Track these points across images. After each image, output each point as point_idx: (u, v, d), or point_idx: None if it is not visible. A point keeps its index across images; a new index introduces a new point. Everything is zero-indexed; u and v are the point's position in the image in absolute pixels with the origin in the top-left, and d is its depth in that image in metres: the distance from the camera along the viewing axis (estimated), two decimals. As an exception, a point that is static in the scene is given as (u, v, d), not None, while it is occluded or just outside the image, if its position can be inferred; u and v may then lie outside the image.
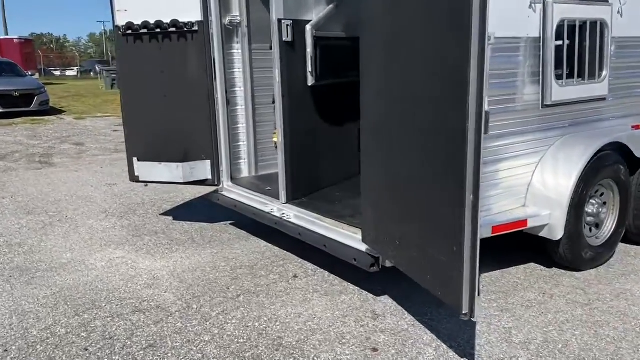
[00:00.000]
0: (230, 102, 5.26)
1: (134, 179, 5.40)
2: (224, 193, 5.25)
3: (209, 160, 5.20)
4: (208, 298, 3.88)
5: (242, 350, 3.19)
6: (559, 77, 4.09)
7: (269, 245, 4.97)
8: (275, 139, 5.33)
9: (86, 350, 3.21)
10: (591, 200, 4.31)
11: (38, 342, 3.30)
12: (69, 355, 3.16)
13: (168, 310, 3.69)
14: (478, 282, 2.55)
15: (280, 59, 4.32)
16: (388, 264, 3.56)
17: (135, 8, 4.99)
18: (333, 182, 5.02)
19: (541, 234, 4.11)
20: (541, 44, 3.97)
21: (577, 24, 4.15)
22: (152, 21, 4.95)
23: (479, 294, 2.80)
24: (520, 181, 4.11)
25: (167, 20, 4.93)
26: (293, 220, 4.37)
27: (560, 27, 4.01)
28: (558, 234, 4.04)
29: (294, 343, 3.27)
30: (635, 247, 4.75)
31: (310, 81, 4.49)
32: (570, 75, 4.19)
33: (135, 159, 5.34)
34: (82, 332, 3.42)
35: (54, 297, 3.94)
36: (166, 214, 6.08)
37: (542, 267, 4.38)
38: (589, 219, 4.33)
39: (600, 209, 4.38)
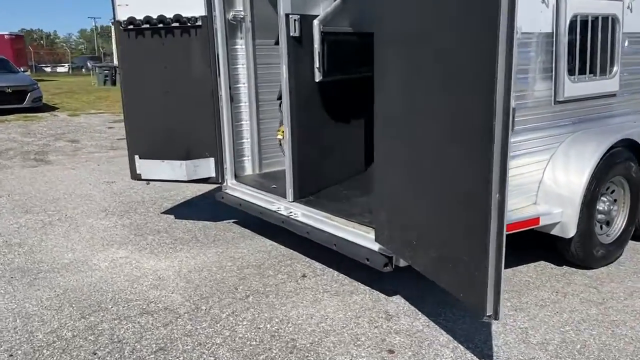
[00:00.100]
0: (233, 98, 5.17)
1: (135, 177, 5.30)
2: (227, 191, 5.16)
3: (213, 158, 5.11)
4: (216, 299, 3.80)
5: (255, 353, 3.11)
6: (571, 72, 4.04)
7: (275, 244, 4.89)
8: (279, 136, 5.24)
9: (95, 354, 3.12)
10: (602, 198, 4.27)
11: (44, 346, 3.21)
12: (77, 359, 3.08)
13: (176, 312, 3.61)
14: (503, 283, 2.49)
15: (288, 55, 4.23)
16: (402, 263, 3.50)
17: (136, 2, 4.88)
18: (339, 180, 4.94)
19: (553, 232, 4.06)
20: (554, 39, 3.91)
21: (590, 19, 4.10)
22: (154, 16, 4.85)
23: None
24: (531, 178, 4.05)
25: (169, 15, 4.83)
26: (301, 218, 4.29)
27: (572, 22, 3.95)
28: (570, 231, 3.99)
29: (308, 345, 3.19)
30: (644, 244, 4.73)
31: (318, 77, 4.40)
32: (582, 71, 4.14)
33: (136, 156, 5.24)
34: (89, 335, 3.33)
35: (58, 298, 3.84)
36: (168, 212, 5.99)
37: (552, 265, 4.34)
38: (600, 216, 4.29)
39: (612, 207, 4.34)
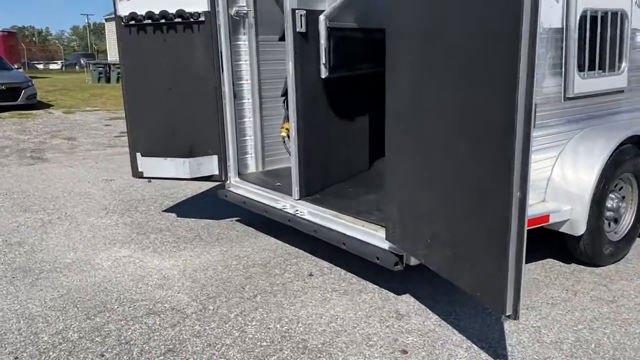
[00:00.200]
0: (236, 95, 5.10)
1: (137, 174, 5.23)
2: (231, 189, 5.10)
3: (216, 156, 5.04)
4: (224, 299, 3.75)
5: (267, 354, 3.06)
6: (580, 69, 4.00)
7: (279, 242, 4.83)
8: (283, 133, 5.19)
9: (102, 356, 3.06)
10: (611, 195, 4.24)
11: (50, 348, 3.14)
12: (85, 361, 3.02)
13: (184, 312, 3.55)
14: (523, 282, 2.45)
15: (294, 51, 4.17)
16: (412, 262, 3.45)
17: (138, -2, 4.81)
18: (343, 178, 4.89)
19: (562, 230, 4.03)
20: (564, 35, 3.87)
21: (599, 14, 4.06)
22: (156, 11, 4.78)
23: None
24: (539, 175, 4.01)
25: (172, 10, 4.75)
26: (307, 217, 4.24)
27: (582, 17, 3.92)
28: (580, 229, 3.96)
29: (320, 346, 3.14)
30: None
31: (324, 73, 4.34)
32: (591, 67, 4.10)
33: (138, 154, 5.17)
34: (96, 336, 3.26)
35: (62, 299, 3.77)
36: (169, 210, 5.91)
37: (560, 263, 4.31)
38: (608, 213, 4.26)
39: (620, 204, 4.31)
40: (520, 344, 3.16)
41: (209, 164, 5.05)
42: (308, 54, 4.25)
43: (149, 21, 4.83)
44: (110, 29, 33.48)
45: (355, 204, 4.25)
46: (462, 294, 3.72)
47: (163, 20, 4.80)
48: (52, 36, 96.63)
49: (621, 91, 4.41)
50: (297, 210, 4.33)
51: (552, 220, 3.92)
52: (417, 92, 2.94)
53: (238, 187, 5.06)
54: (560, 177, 4.02)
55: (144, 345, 3.15)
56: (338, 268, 4.24)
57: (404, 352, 3.08)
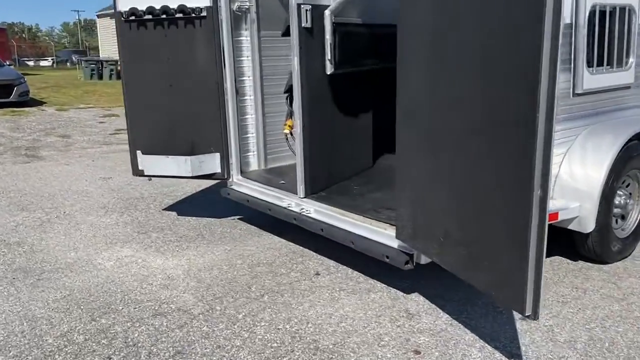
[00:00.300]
0: (238, 91, 5.03)
1: (137, 173, 5.14)
2: (233, 187, 5.03)
3: (218, 153, 4.97)
4: (230, 299, 3.68)
5: (278, 356, 3.00)
6: (589, 64, 3.96)
7: (284, 241, 4.78)
8: (286, 130, 5.12)
9: (109, 359, 2.99)
10: (618, 191, 4.21)
11: (55, 352, 3.07)
12: (92, 364, 2.95)
13: (190, 313, 3.48)
14: (543, 282, 2.41)
15: (299, 47, 4.10)
16: (423, 260, 3.41)
17: (139, -7, 4.72)
18: (348, 176, 4.84)
19: (570, 227, 3.99)
20: (573, 30, 3.83)
21: (607, 9, 4.02)
22: (157, 6, 4.69)
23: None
24: (548, 172, 3.97)
25: (173, 5, 4.67)
26: (314, 215, 4.18)
27: (591, 13, 3.88)
28: (589, 226, 3.93)
29: (331, 346, 3.09)
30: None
31: (329, 69, 4.28)
32: (599, 63, 4.07)
33: (139, 152, 5.09)
34: (102, 339, 3.19)
35: (65, 300, 3.70)
36: (169, 209, 5.84)
37: (568, 261, 4.28)
38: (616, 210, 4.23)
39: (628, 200, 4.28)
40: (534, 343, 3.12)
41: (211, 162, 4.98)
42: (313, 49, 4.19)
43: (150, 16, 4.74)
44: (103, 25, 33.20)
45: (361, 202, 4.20)
46: (471, 293, 3.69)
47: (164, 16, 4.72)
48: (42, 33, 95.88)
49: (628, 87, 4.38)
50: (302, 209, 4.27)
51: (560, 217, 3.89)
52: (431, 89, 2.89)
53: (241, 185, 4.99)
54: (569, 174, 3.98)
55: (152, 348, 3.09)
56: (344, 267, 4.19)
57: (417, 352, 3.04)
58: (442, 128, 2.82)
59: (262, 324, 3.35)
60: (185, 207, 5.89)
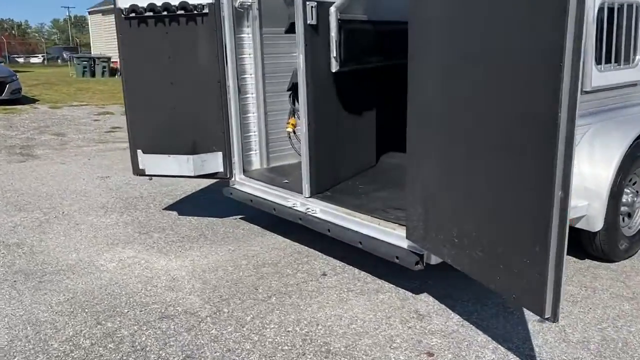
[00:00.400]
0: (240, 89, 4.96)
1: (138, 172, 5.07)
2: (236, 186, 4.97)
3: (221, 152, 4.90)
4: (238, 300, 3.63)
5: (289, 359, 2.96)
6: (597, 62, 3.93)
7: (288, 241, 4.72)
8: (289, 129, 5.07)
9: (118, 363, 2.93)
10: (625, 189, 4.19)
11: (62, 357, 3.00)
12: (99, 370, 2.89)
13: (198, 316, 3.43)
14: (563, 284, 2.37)
15: (305, 44, 4.04)
16: (433, 261, 3.37)
17: (139, -11, 4.64)
18: (352, 174, 4.79)
19: (578, 226, 3.97)
20: (582, 27, 3.79)
21: (615, 6, 3.99)
22: (158, 3, 4.62)
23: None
24: (555, 171, 3.94)
25: (175, 2, 4.60)
26: (320, 215, 4.13)
27: (600, 9, 3.85)
28: (597, 225, 3.91)
29: (343, 349, 3.05)
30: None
31: (335, 67, 4.23)
32: (607, 60, 4.04)
33: (139, 151, 5.02)
34: (108, 343, 3.13)
35: (69, 303, 3.63)
36: (169, 208, 5.77)
37: (574, 259, 4.26)
38: (623, 208, 4.21)
39: (635, 198, 4.26)
40: (547, 344, 3.09)
41: (214, 161, 4.91)
42: (319, 47, 4.13)
43: (151, 13, 4.67)
44: (94, 22, 32.87)
45: (367, 201, 4.15)
46: (480, 293, 3.66)
47: (165, 13, 4.64)
48: (32, 29, 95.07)
49: (634, 84, 4.35)
50: (308, 209, 4.21)
51: (569, 216, 3.85)
52: (445, 86, 2.84)
53: (243, 185, 4.93)
54: (577, 173, 3.94)
55: (160, 352, 3.03)
56: (351, 267, 4.15)
57: (430, 354, 3.00)
58: (458, 127, 2.78)
59: (272, 326, 3.30)
60: (186, 206, 5.82)
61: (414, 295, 3.69)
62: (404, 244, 3.48)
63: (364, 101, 4.76)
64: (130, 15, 4.73)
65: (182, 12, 4.63)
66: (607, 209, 3.88)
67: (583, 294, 3.69)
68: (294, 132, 5.02)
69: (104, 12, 30.48)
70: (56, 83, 22.26)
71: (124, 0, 4.72)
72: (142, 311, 3.49)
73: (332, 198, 4.24)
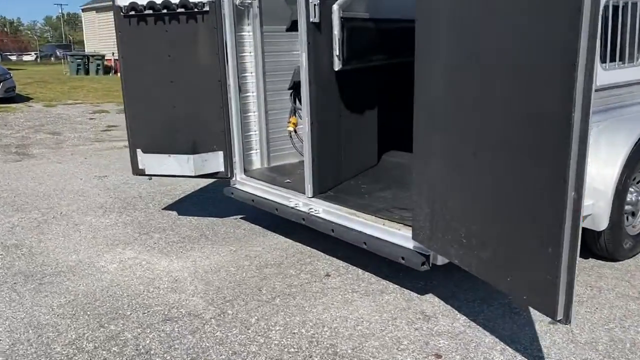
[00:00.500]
0: (240, 88, 4.91)
1: (138, 172, 5.02)
2: (237, 186, 4.92)
3: (222, 152, 4.86)
4: (242, 302, 3.59)
5: (296, 362, 2.93)
6: (602, 60, 3.91)
7: (290, 241, 4.69)
8: (290, 128, 5.03)
9: (122, 367, 2.89)
10: (630, 188, 4.18)
11: (65, 360, 2.96)
12: (104, 374, 2.85)
13: (202, 318, 3.38)
14: (575, 285, 2.35)
15: (308, 42, 4.00)
16: (439, 261, 3.34)
17: (139, -13, 4.58)
18: (354, 174, 4.76)
19: (583, 225, 3.93)
20: (587, 25, 3.77)
21: (620, 4, 3.97)
22: (158, 1, 4.56)
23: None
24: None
25: (175, 0, 4.54)
26: (323, 215, 4.09)
27: (606, 7, 3.83)
28: (602, 224, 3.89)
29: (350, 351, 3.01)
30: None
31: (337, 66, 4.18)
32: (612, 59, 4.02)
33: (139, 150, 4.96)
34: (112, 346, 3.08)
35: (70, 305, 3.58)
36: (169, 208, 5.72)
37: (578, 258, 4.22)
38: (627, 207, 4.20)
39: (639, 197, 4.25)
40: (555, 345, 3.07)
41: (214, 161, 4.87)
42: (321, 45, 4.09)
43: (150, 11, 4.62)
44: (88, 19, 32.68)
45: (371, 201, 4.12)
46: (486, 293, 3.64)
47: (165, 11, 4.59)
48: (24, 27, 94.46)
49: (638, 83, 4.34)
50: (311, 209, 4.17)
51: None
52: (453, 85, 2.81)
53: (245, 184, 4.88)
54: (582, 172, 3.93)
55: (165, 355, 2.99)
56: (354, 267, 4.11)
57: (438, 356, 2.97)
58: (466, 126, 2.74)
59: (277, 328, 3.26)
60: (186, 206, 5.78)
61: (419, 295, 3.66)
62: (410, 244, 3.45)
63: (367, 100, 4.73)
64: (130, 13, 4.67)
65: (182, 10, 4.57)
66: (612, 207, 3.87)
67: (589, 294, 3.68)
68: (295, 132, 4.98)
69: (98, 10, 30.32)
70: (50, 81, 22.11)
71: (123, -2, 4.66)
72: (145, 313, 3.45)
73: (335, 198, 4.20)
